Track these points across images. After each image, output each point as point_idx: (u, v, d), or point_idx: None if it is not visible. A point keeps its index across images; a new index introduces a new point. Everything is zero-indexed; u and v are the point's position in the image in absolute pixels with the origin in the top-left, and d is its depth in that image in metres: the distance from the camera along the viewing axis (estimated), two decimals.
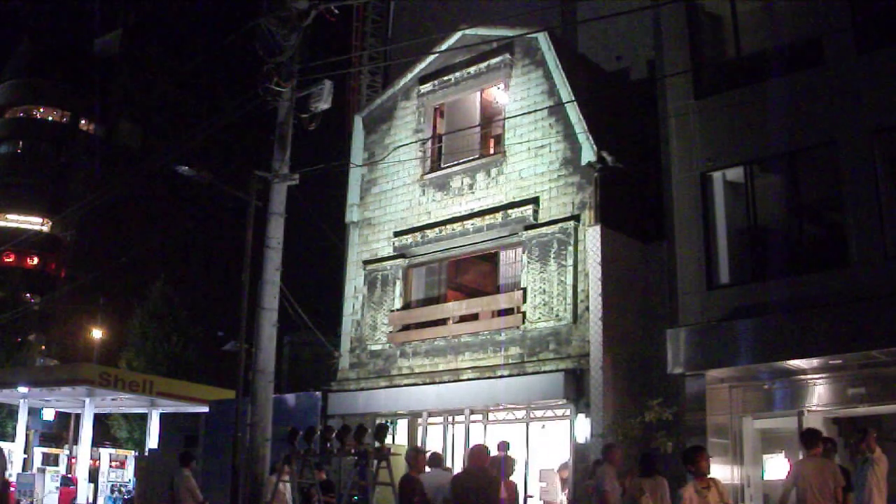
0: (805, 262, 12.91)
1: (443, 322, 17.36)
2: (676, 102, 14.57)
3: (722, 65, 14.88)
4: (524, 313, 15.93)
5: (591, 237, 15.11)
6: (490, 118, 18.49)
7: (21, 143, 53.79)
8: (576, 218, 15.64)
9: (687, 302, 13.76)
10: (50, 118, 54.68)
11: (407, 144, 18.63)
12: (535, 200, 16.36)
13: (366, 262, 18.98)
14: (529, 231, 16.23)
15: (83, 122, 54.31)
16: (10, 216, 50.29)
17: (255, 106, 13.31)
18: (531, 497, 15.34)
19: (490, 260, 17.97)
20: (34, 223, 49.38)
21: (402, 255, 18.35)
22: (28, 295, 45.16)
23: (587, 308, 14.91)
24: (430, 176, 18.40)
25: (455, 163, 18.07)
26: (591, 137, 15.56)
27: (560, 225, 15.79)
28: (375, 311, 18.51)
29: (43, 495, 20.99)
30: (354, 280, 19.24)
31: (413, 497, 9.97)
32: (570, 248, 15.52)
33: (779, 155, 13.45)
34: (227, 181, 17.69)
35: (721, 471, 13.07)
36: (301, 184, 13.21)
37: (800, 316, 12.19)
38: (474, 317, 17.45)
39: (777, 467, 13.04)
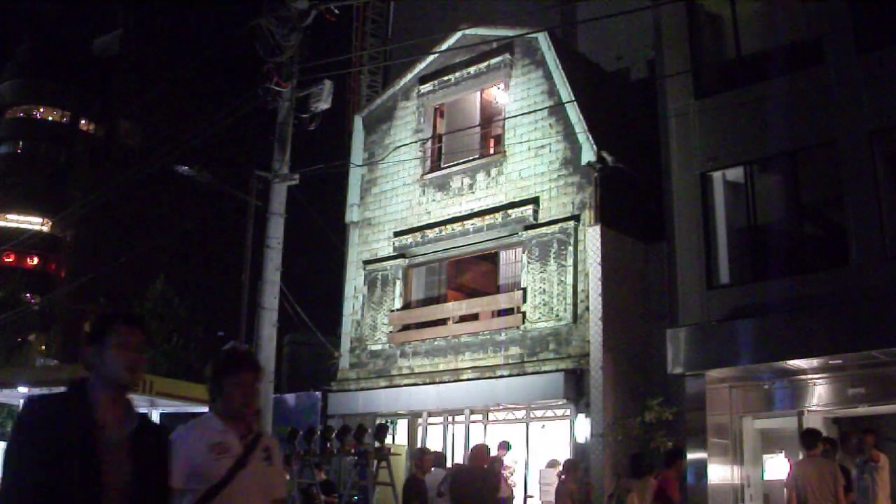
0: (805, 262, 12.92)
1: (443, 322, 17.36)
2: (676, 102, 14.57)
3: (722, 65, 14.89)
4: (524, 313, 15.93)
5: (591, 237, 15.11)
6: (490, 118, 18.49)
7: (21, 143, 53.77)
8: (576, 218, 15.64)
9: (687, 302, 13.77)
10: (50, 118, 54.67)
11: (407, 144, 18.63)
12: (535, 200, 16.37)
13: (366, 262, 18.98)
14: (529, 231, 16.23)
15: (83, 122, 54.30)
16: (10, 216, 50.27)
17: (255, 106, 13.31)
18: (531, 497, 15.35)
19: (490, 260, 17.97)
20: (34, 223, 49.38)
21: (402, 255, 18.35)
22: (28, 295, 45.12)
23: (587, 308, 14.91)
24: (430, 176, 18.40)
25: (455, 163, 18.07)
26: (591, 137, 15.56)
27: (560, 225, 15.79)
28: (375, 311, 18.50)
29: None
30: (354, 280, 19.24)
31: (416, 499, 9.96)
32: (570, 248, 15.52)
33: (779, 155, 13.45)
34: (227, 181, 17.67)
35: (721, 471, 13.10)
36: (301, 184, 13.22)
37: (800, 316, 12.20)
38: (474, 317, 17.45)
39: (777, 467, 13.05)
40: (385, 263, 18.61)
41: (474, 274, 19.52)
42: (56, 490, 2.77)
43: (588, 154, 15.57)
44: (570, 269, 15.44)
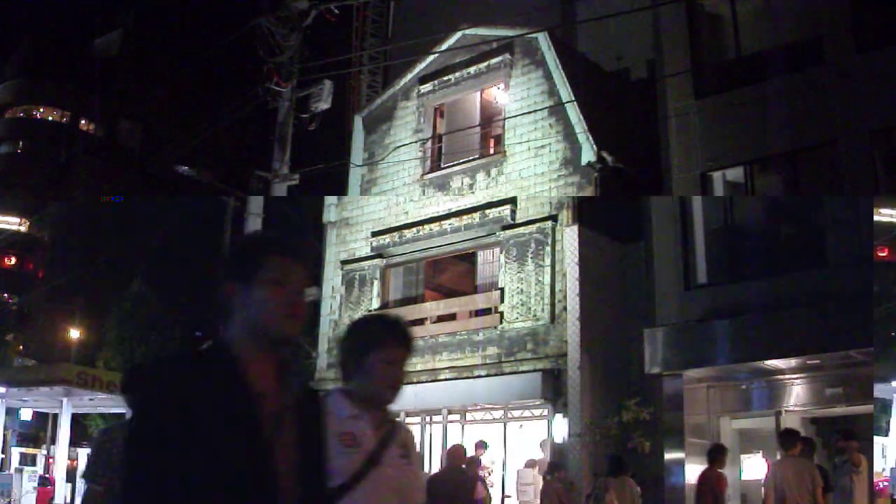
0: (783, 263, 12.90)
1: (420, 322, 17.32)
2: (676, 102, 14.58)
3: (722, 65, 14.89)
4: (502, 313, 15.93)
5: (569, 237, 15.10)
6: (490, 118, 18.48)
7: (21, 143, 53.74)
8: (553, 218, 15.64)
9: (664, 302, 13.75)
10: (50, 118, 54.63)
11: (407, 144, 18.62)
12: (514, 200, 16.41)
13: (343, 262, 18.97)
14: (507, 231, 16.26)
15: (83, 122, 54.28)
16: None
17: (255, 106, 13.30)
18: (508, 497, 15.34)
19: (468, 260, 17.99)
20: (11, 223, 49.12)
21: (381, 256, 18.39)
22: (6, 295, 45.07)
23: (565, 308, 14.91)
24: (430, 176, 18.40)
25: (455, 163, 18.07)
26: (591, 137, 15.55)
27: (538, 225, 15.79)
28: (353, 311, 18.47)
29: (20, 495, 20.90)
30: (332, 280, 19.23)
31: None
32: (548, 248, 15.52)
33: (779, 155, 13.45)
34: (227, 181, 17.66)
35: (699, 471, 13.09)
36: (301, 183, 13.23)
37: (777, 316, 12.18)
38: (452, 317, 17.45)
39: (755, 467, 13.02)
40: (363, 263, 18.61)
41: (452, 274, 19.53)
42: (218, 492, 1.88)
43: (588, 154, 15.56)
44: (548, 269, 15.44)
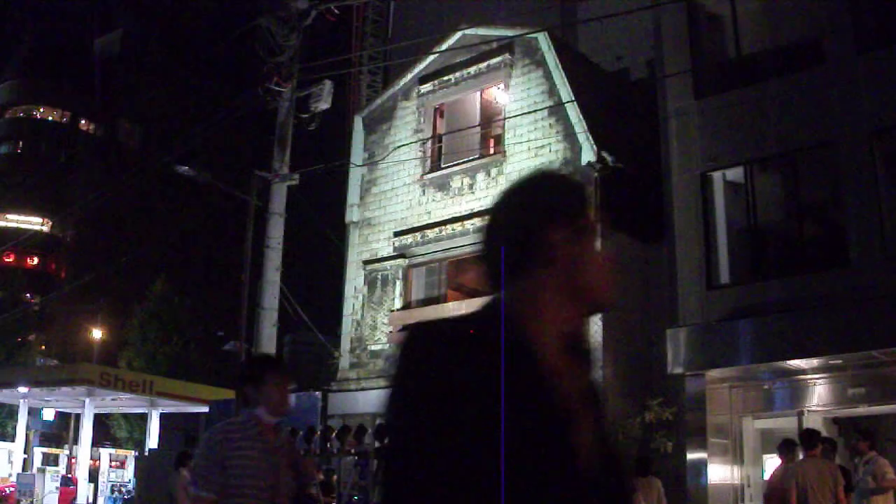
0: (805, 262, 12.93)
1: None
2: (676, 102, 14.58)
3: (722, 65, 14.89)
4: None
5: None
6: (490, 118, 18.49)
7: (21, 143, 53.80)
8: None
9: (687, 302, 13.77)
10: (50, 118, 54.69)
11: (407, 144, 18.63)
12: None
13: (366, 262, 18.99)
14: None
15: (83, 122, 54.33)
16: (9, 216, 50.29)
17: (255, 106, 13.31)
18: None
19: None
20: (34, 223, 49.37)
21: (403, 255, 18.36)
22: (28, 295, 45.16)
23: None
24: (430, 176, 18.40)
25: (455, 163, 18.08)
26: (591, 137, 15.56)
27: None
28: (375, 311, 18.51)
29: (43, 495, 20.98)
30: (354, 280, 19.24)
31: None
32: None
33: (779, 155, 13.46)
34: (226, 181, 17.67)
35: (721, 471, 13.10)
36: (301, 183, 13.23)
37: (800, 316, 12.20)
38: None
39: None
40: (385, 263, 18.61)
41: (474, 274, 19.50)
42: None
43: (588, 154, 15.57)
44: None
